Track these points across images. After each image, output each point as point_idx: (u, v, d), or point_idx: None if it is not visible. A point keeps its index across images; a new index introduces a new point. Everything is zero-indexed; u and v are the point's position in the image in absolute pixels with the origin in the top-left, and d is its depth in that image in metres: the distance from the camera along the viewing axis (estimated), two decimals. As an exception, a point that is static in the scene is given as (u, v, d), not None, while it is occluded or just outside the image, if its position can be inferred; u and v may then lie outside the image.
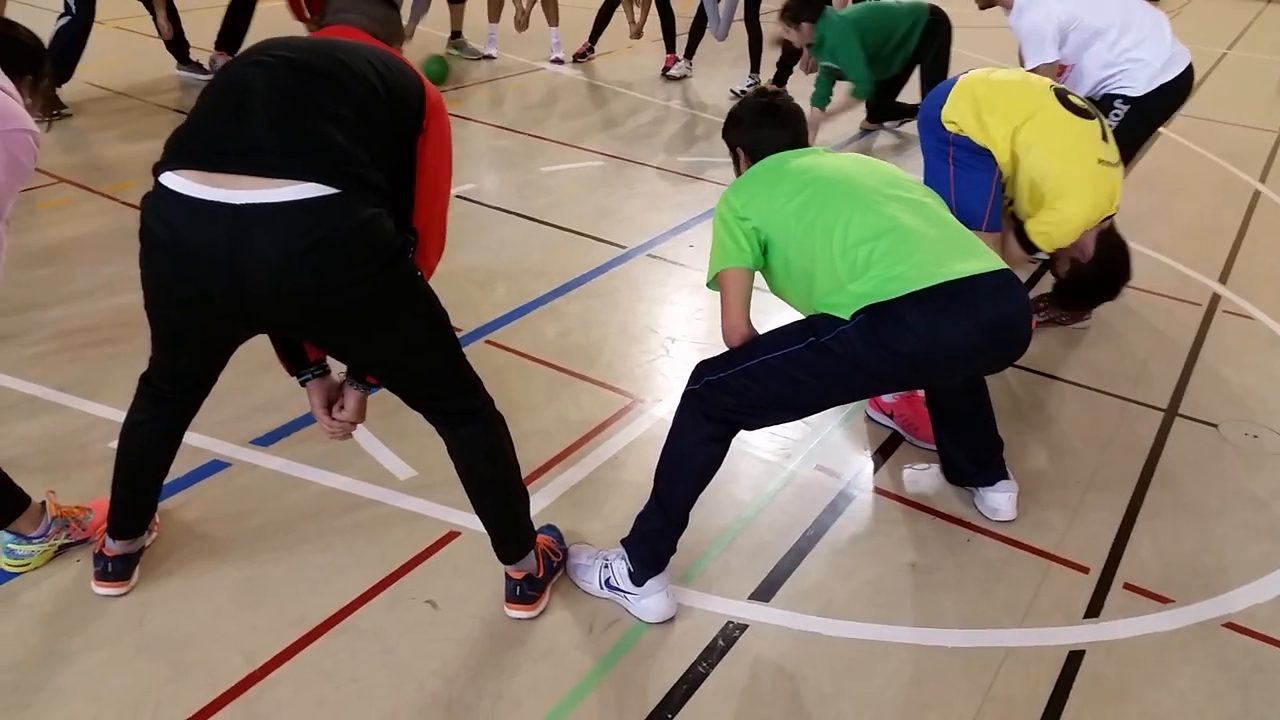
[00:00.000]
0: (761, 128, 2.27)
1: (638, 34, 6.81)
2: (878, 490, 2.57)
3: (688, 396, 2.05)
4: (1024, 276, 3.13)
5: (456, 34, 6.64)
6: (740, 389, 2.00)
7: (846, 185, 2.08)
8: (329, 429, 2.06)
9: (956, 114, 2.74)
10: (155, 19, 5.42)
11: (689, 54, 6.56)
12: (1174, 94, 3.34)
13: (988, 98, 2.75)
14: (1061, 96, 2.77)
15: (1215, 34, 9.17)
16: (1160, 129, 3.56)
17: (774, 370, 1.98)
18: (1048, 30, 3.39)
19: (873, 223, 2.00)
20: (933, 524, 2.46)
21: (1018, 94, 2.78)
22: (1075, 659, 2.07)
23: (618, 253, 3.88)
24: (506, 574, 2.05)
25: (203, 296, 1.62)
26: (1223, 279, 3.95)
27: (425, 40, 6.74)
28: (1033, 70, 3.38)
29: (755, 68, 6.26)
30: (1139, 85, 3.17)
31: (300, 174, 1.55)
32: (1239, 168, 5.31)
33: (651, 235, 4.05)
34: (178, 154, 1.61)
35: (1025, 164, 2.70)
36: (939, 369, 2.04)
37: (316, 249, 1.56)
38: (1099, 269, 3.02)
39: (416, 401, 1.89)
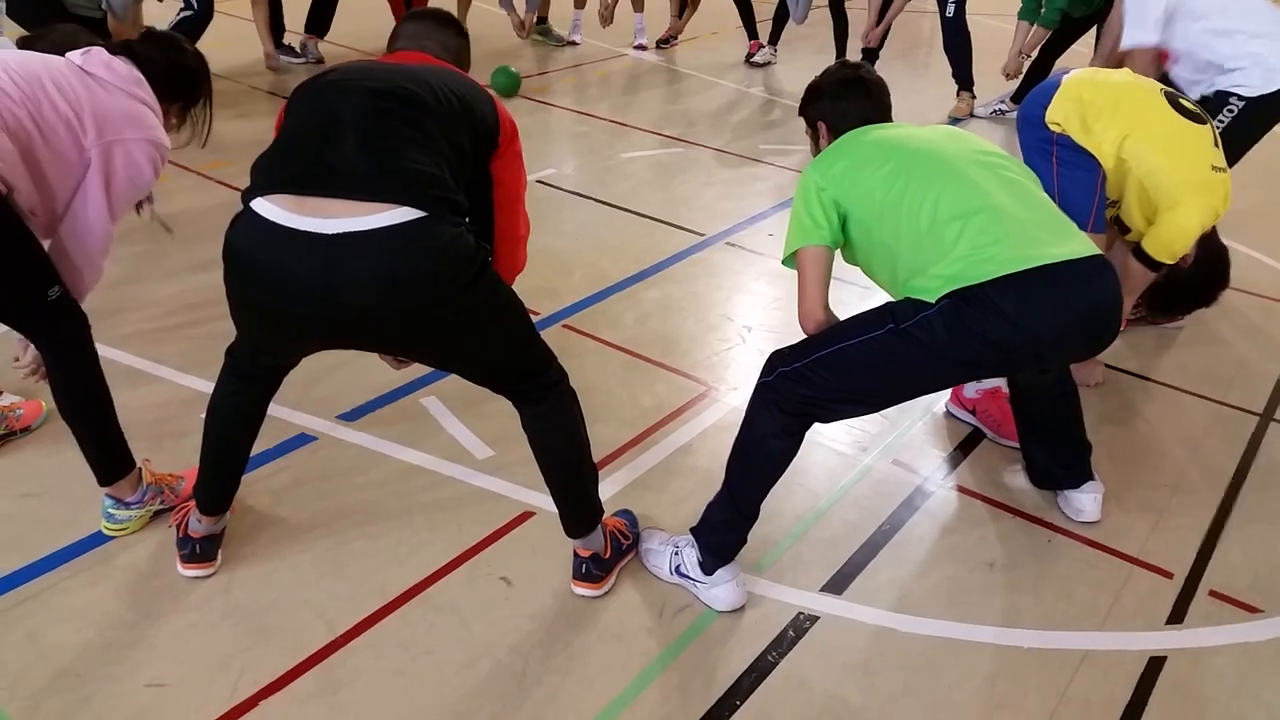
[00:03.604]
0: (845, 99, 2.21)
1: (608, 19, 6.70)
2: (957, 487, 2.53)
3: (761, 388, 2.03)
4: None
5: (543, 20, 6.69)
6: (815, 379, 1.96)
7: (938, 158, 2.02)
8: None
9: (1061, 115, 2.64)
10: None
11: (773, 40, 6.50)
12: None
13: (1094, 101, 2.65)
14: (1173, 100, 2.66)
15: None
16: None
17: (851, 359, 1.95)
18: (1153, 6, 3.21)
19: (965, 199, 1.94)
20: (1013, 523, 2.42)
21: (1127, 97, 2.68)
22: (1156, 665, 2.02)
23: (696, 240, 3.88)
24: (575, 551, 2.08)
25: (293, 320, 1.68)
26: (1327, 279, 3.78)
27: (509, 25, 6.81)
28: (1128, 49, 3.24)
29: (841, 54, 6.17)
30: (1254, 83, 3.00)
31: (389, 198, 1.59)
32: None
33: (730, 223, 4.04)
34: (268, 179, 1.65)
35: (1136, 171, 2.60)
36: (1028, 357, 1.99)
37: (406, 272, 1.60)
38: (1198, 275, 2.90)
39: (494, 386, 1.93)
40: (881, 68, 5.93)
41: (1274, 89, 3.01)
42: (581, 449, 2.02)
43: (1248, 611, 2.17)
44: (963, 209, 1.93)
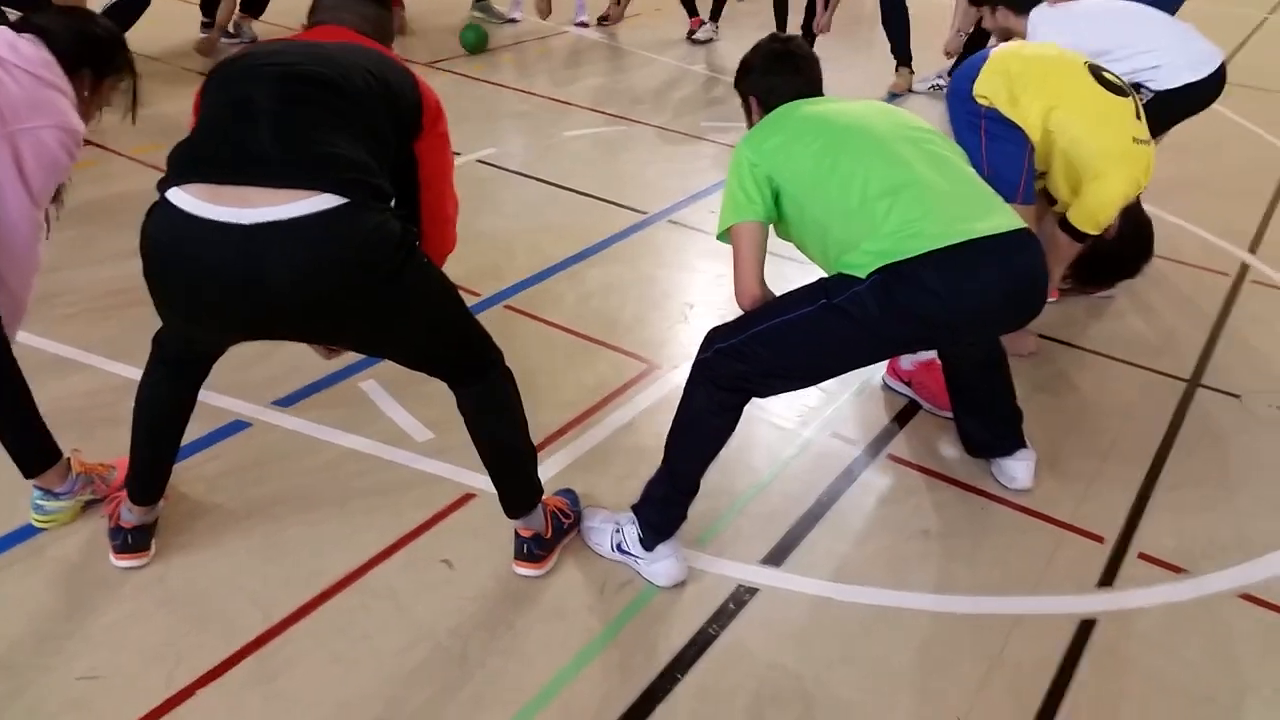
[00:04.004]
0: (775, 74, 2.22)
1: (546, 10, 6.52)
2: (893, 458, 2.57)
3: (698, 365, 2.04)
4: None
5: (481, -3, 6.61)
6: (751, 355, 1.98)
7: (867, 134, 2.04)
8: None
9: (989, 89, 2.68)
10: None
11: (714, 17, 6.49)
12: (1201, 94, 3.24)
13: (1022, 74, 2.69)
14: (1096, 73, 2.71)
15: (1257, -3, 8.93)
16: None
17: (785, 335, 1.96)
18: None
19: (894, 175, 1.96)
20: (948, 492, 2.46)
21: (1053, 71, 2.72)
22: (1086, 628, 2.07)
23: (638, 218, 3.87)
24: (515, 531, 2.08)
25: (214, 312, 1.65)
26: (1252, 249, 3.89)
27: (450, 3, 6.73)
28: None
29: (781, 29, 6.18)
30: (1161, 83, 3.12)
31: (308, 185, 1.56)
32: (1277, 135, 5.20)
33: (673, 200, 4.04)
34: (183, 169, 1.61)
35: (1060, 143, 2.65)
36: (956, 330, 2.03)
37: (328, 262, 1.57)
38: (1122, 246, 2.96)
39: (428, 370, 1.91)
40: (822, 43, 6.01)
41: (1179, 84, 3.11)
42: (518, 429, 2.02)
43: (1174, 572, 2.23)
44: (891, 185, 1.95)
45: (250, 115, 1.64)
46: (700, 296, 3.32)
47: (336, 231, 1.58)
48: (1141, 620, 2.10)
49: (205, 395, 2.51)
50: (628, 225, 3.81)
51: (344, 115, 1.69)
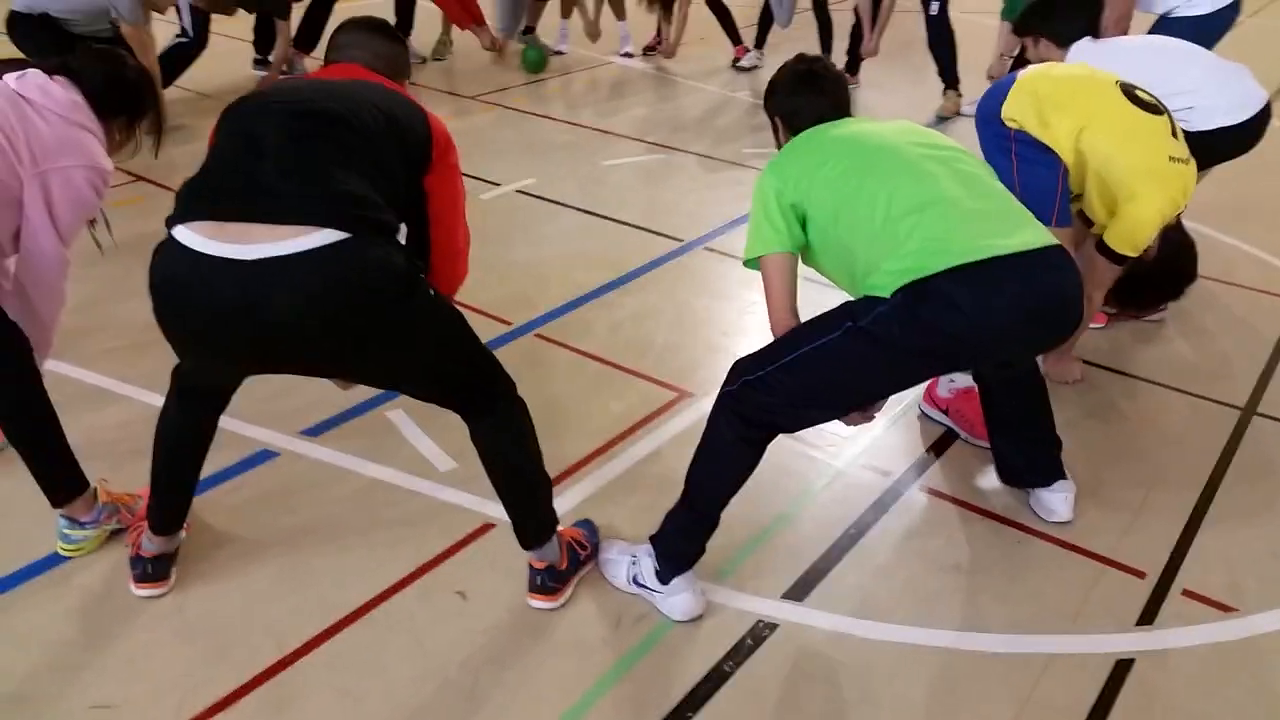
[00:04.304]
0: (799, 94, 2.20)
1: (596, 34, 6.62)
2: (928, 489, 2.50)
3: (723, 397, 2.00)
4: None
5: (529, 29, 6.68)
6: (778, 387, 1.93)
7: (892, 153, 2.00)
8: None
9: (1017, 111, 2.61)
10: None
11: (759, 44, 6.48)
12: (1237, 138, 3.11)
13: (1051, 95, 2.62)
14: (1128, 92, 2.63)
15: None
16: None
17: (811, 363, 1.92)
18: None
19: (919, 193, 1.92)
20: (983, 524, 2.38)
21: (1082, 90, 2.65)
22: (1123, 667, 1.97)
23: (675, 246, 3.86)
24: (529, 563, 2.06)
25: (221, 348, 1.67)
26: (1314, 270, 3.72)
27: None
28: None
29: (826, 55, 6.15)
30: (1195, 124, 3.00)
31: (311, 221, 1.57)
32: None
33: (710, 228, 4.01)
34: (189, 206, 1.64)
35: (1093, 164, 2.56)
36: (984, 349, 1.97)
37: (328, 296, 1.58)
38: (1161, 266, 2.84)
39: (439, 402, 1.91)
40: (869, 67, 5.97)
41: (1211, 126, 2.98)
42: (532, 460, 2.00)
43: (1221, 611, 2.12)
44: (916, 203, 1.91)
45: (257, 152, 1.66)
46: (734, 324, 3.28)
47: (338, 266, 1.58)
48: (1183, 661, 1.99)
49: (234, 425, 2.58)
50: (664, 253, 3.79)
51: (351, 151, 1.71)
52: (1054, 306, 1.92)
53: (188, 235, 1.60)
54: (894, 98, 5.90)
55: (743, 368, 1.99)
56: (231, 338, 1.63)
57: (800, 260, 2.12)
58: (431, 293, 1.77)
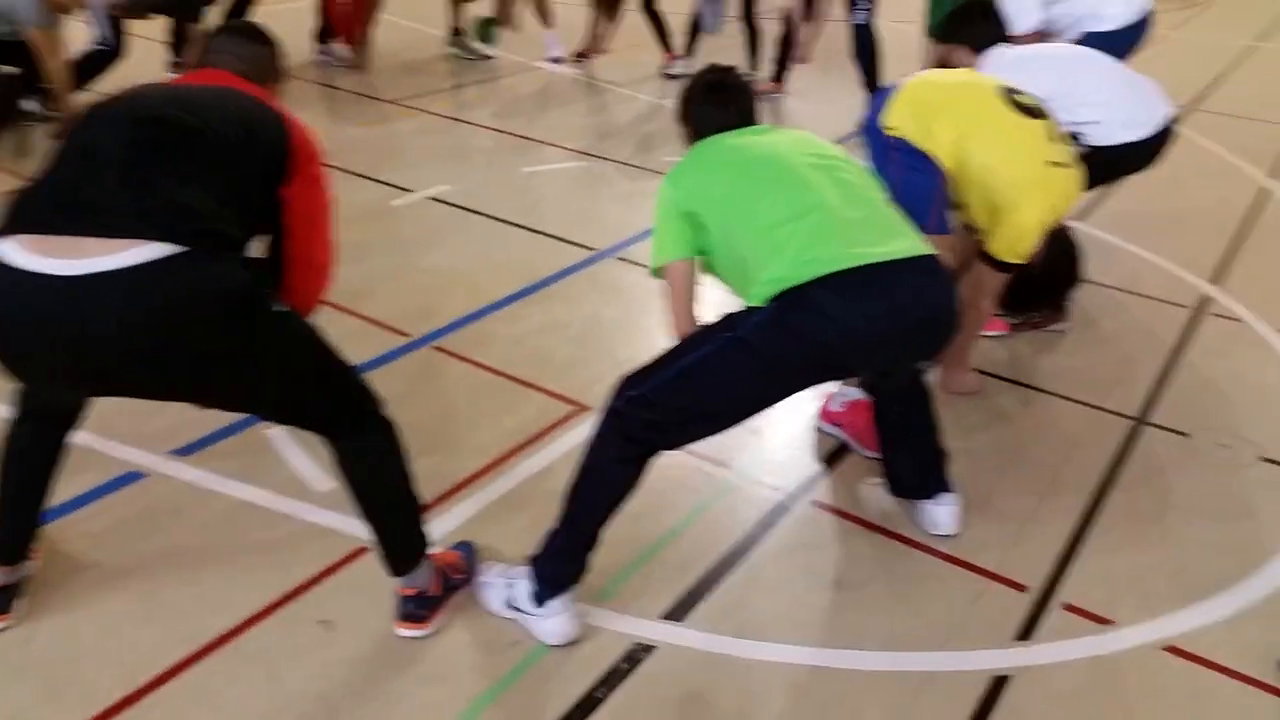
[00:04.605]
0: (704, 105, 2.23)
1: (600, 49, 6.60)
2: (817, 504, 2.47)
3: (608, 414, 1.96)
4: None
5: (458, 31, 6.60)
6: (660, 403, 1.91)
7: (775, 164, 2.03)
8: None
9: (897, 119, 2.62)
10: None
11: (689, 51, 6.46)
12: (1138, 154, 3.14)
13: (931, 102, 2.63)
14: (1008, 97, 2.64)
15: (1244, 26, 8.83)
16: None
17: (693, 377, 1.90)
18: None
19: (797, 201, 1.94)
20: (870, 539, 2.35)
21: (961, 97, 2.66)
22: (999, 685, 1.96)
23: (586, 255, 3.80)
24: (397, 591, 1.99)
25: (44, 371, 1.58)
26: (1215, 280, 3.77)
27: (423, 38, 6.74)
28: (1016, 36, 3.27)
29: (753, 65, 6.15)
30: (1099, 138, 3.02)
31: (143, 234, 1.50)
32: (1252, 163, 5.09)
33: (624, 237, 3.97)
34: (17, 219, 1.55)
35: (973, 172, 2.57)
36: (856, 359, 1.98)
37: (160, 314, 1.50)
38: (1043, 272, 2.83)
39: (295, 424, 1.84)
40: (802, 75, 5.96)
41: (1114, 142, 3.01)
42: (396, 484, 1.93)
43: (1099, 624, 2.12)
44: (794, 211, 1.93)
45: (93, 161, 1.58)
46: (640, 335, 3.23)
47: (170, 282, 1.51)
48: (1058, 676, 1.98)
49: (101, 444, 2.49)
50: (575, 262, 3.74)
51: (194, 161, 1.63)
52: (924, 315, 1.92)
53: (11, 249, 1.51)
54: (821, 107, 5.90)
55: (627, 384, 1.97)
56: (58, 360, 1.54)
57: (702, 268, 2.16)
58: (280, 310, 1.69)
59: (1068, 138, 2.75)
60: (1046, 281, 2.89)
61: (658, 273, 2.14)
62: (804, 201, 1.94)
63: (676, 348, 1.97)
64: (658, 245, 2.12)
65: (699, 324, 2.08)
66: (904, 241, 1.94)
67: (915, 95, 2.64)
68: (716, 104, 2.21)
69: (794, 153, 2.06)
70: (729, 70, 2.28)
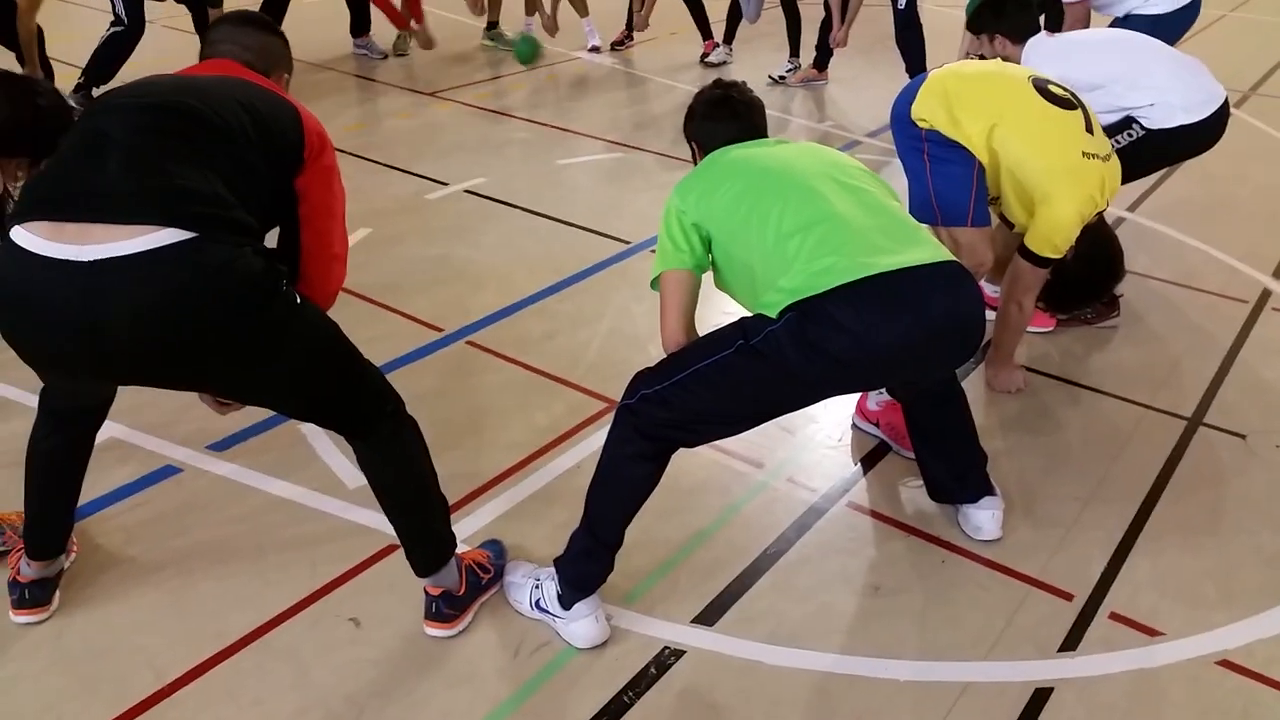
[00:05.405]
0: (712, 119, 2.20)
1: (643, 24, 6.52)
2: (852, 505, 2.41)
3: (622, 412, 1.94)
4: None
5: (493, 24, 6.58)
6: (674, 402, 1.88)
7: (784, 174, 1.98)
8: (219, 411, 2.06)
9: (926, 110, 2.56)
10: None
11: (728, 39, 6.38)
12: (1197, 136, 3.04)
13: (960, 92, 2.57)
14: (1040, 87, 2.57)
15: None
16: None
17: (706, 379, 1.86)
18: None
19: (807, 211, 1.89)
20: (908, 543, 2.29)
21: (992, 88, 2.59)
22: (1041, 697, 1.89)
23: (620, 248, 3.76)
24: (424, 590, 1.97)
25: (61, 357, 1.57)
26: (1277, 273, 3.63)
27: (461, 30, 6.73)
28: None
29: (795, 51, 6.06)
30: (1155, 121, 2.94)
31: (155, 219, 1.48)
32: (1314, 149, 4.91)
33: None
34: (29, 206, 1.54)
35: (1005, 162, 2.50)
36: (876, 371, 1.92)
37: (172, 300, 1.49)
38: (1083, 267, 2.71)
39: (314, 420, 1.82)
40: (841, 63, 5.87)
41: (1172, 125, 2.94)
42: (420, 483, 1.91)
43: (1147, 635, 2.04)
44: (804, 221, 1.88)
45: (101, 148, 1.57)
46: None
47: (182, 267, 1.49)
48: (1105, 689, 1.91)
49: (139, 439, 2.50)
50: (609, 255, 3.70)
51: (203, 148, 1.61)
52: (947, 325, 1.85)
53: (25, 236, 1.51)
54: (864, 94, 5.80)
55: (642, 380, 1.94)
56: (70, 347, 1.53)
57: (715, 283, 2.11)
58: (296, 301, 1.67)
59: (1105, 131, 2.66)
60: (1085, 276, 2.75)
61: (655, 284, 2.07)
62: (814, 211, 1.89)
63: (691, 351, 1.94)
64: (659, 255, 2.07)
65: (690, 339, 2.02)
66: (923, 250, 1.87)
67: (943, 86, 2.59)
68: (723, 119, 2.18)
69: (803, 163, 2.03)
70: (734, 85, 2.25)
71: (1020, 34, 3.15)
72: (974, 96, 2.55)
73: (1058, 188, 2.46)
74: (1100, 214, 2.64)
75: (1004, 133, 2.49)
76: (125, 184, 1.52)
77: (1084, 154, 2.49)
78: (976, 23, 3.30)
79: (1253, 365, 3.05)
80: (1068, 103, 2.56)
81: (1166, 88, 2.98)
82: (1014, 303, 2.66)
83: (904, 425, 2.54)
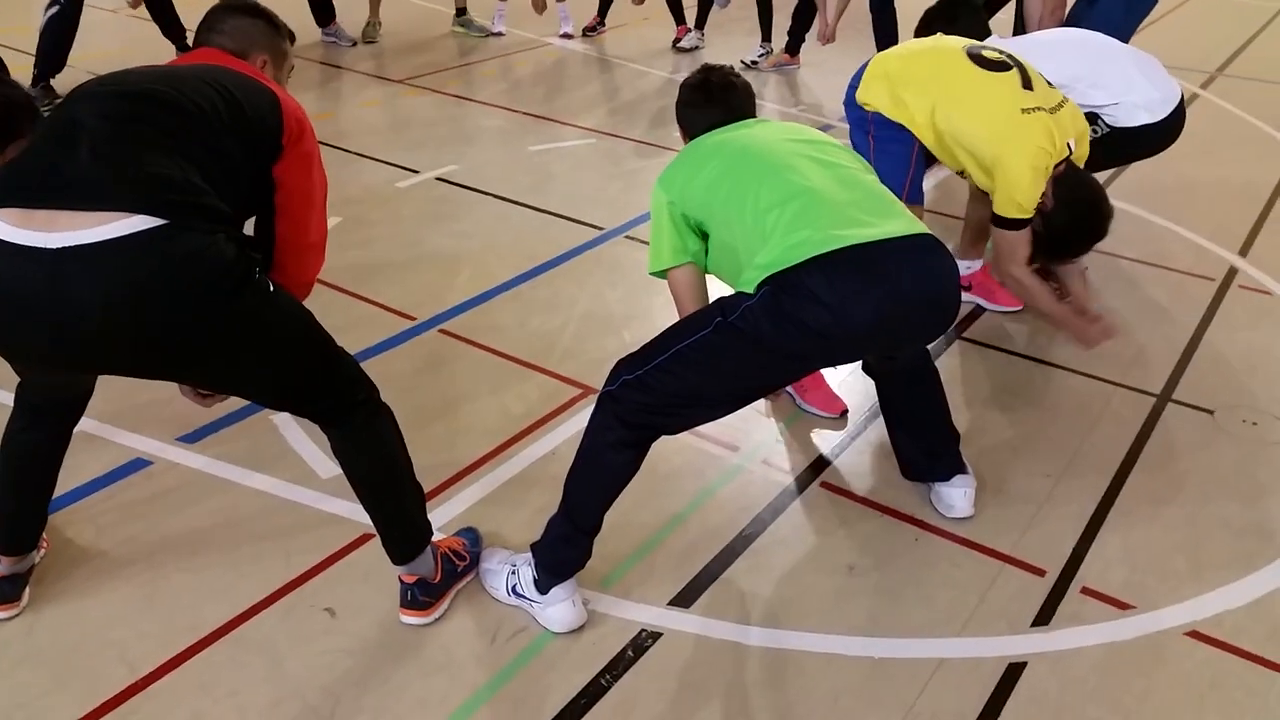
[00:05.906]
0: (692, 105, 2.24)
1: (542, 6, 6.44)
2: (826, 486, 2.43)
3: (603, 398, 1.93)
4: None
5: (462, 11, 6.52)
6: (655, 386, 1.87)
7: (761, 152, 2.01)
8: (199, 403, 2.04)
9: (870, 95, 2.65)
10: None
11: (700, 24, 6.36)
12: (1158, 135, 3.09)
13: (901, 73, 2.64)
14: (974, 55, 2.63)
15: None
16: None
17: (686, 360, 1.86)
18: None
19: (783, 186, 1.91)
20: (881, 522, 2.31)
21: (930, 65, 2.66)
22: (1014, 672, 1.91)
23: (594, 234, 3.75)
24: (399, 578, 1.96)
25: (28, 348, 1.56)
26: (1243, 252, 3.68)
27: (430, 16, 6.68)
28: None
29: (766, 37, 6.05)
30: (1119, 120, 2.99)
31: (125, 206, 1.46)
32: None
33: (633, 215, 3.91)
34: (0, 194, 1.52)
35: (954, 137, 2.57)
36: (852, 343, 1.92)
37: (140, 288, 1.47)
38: (1065, 212, 2.62)
39: (287, 409, 1.81)
40: (813, 48, 5.87)
41: (1135, 124, 3.00)
42: (395, 471, 1.90)
43: (1119, 608, 2.07)
44: (780, 197, 1.89)
45: (72, 135, 1.55)
46: (645, 317, 3.18)
47: (151, 255, 1.47)
48: (1077, 662, 1.94)
49: (108, 432, 2.48)
50: (582, 242, 3.69)
51: (176, 135, 1.60)
52: (924, 296, 1.87)
53: None
54: (836, 78, 5.76)
55: (622, 367, 1.93)
56: (38, 335, 1.51)
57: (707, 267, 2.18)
58: (269, 289, 1.66)
59: (1056, 91, 2.69)
60: (1070, 221, 2.64)
61: (659, 273, 2.18)
62: (790, 186, 1.91)
63: (670, 332, 1.94)
64: (655, 251, 2.15)
65: None
66: (898, 222, 1.89)
67: (884, 68, 2.67)
68: (702, 104, 2.22)
69: (780, 141, 2.05)
70: (717, 69, 2.27)
71: (974, 38, 3.15)
72: (914, 76, 2.62)
73: (1004, 149, 2.51)
74: (1069, 160, 2.63)
75: (945, 110, 2.56)
76: (95, 171, 1.50)
77: (1023, 110, 2.52)
78: (926, 26, 3.29)
79: (1220, 342, 3.08)
80: (1002, 64, 2.61)
81: (1127, 88, 3.02)
82: (1007, 277, 2.67)
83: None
